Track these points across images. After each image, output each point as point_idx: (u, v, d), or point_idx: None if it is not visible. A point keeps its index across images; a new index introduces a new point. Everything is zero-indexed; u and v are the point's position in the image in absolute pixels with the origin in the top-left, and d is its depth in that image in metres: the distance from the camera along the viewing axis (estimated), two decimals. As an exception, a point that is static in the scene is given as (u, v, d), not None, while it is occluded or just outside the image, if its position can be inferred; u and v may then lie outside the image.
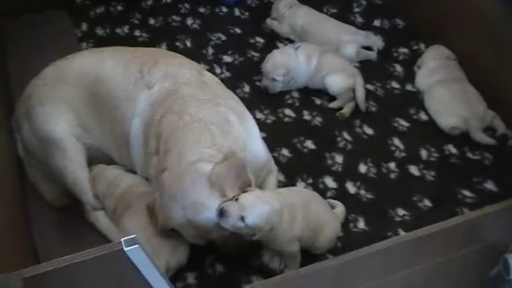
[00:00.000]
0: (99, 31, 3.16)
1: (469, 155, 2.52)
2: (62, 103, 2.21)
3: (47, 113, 2.19)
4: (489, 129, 2.59)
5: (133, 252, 1.34)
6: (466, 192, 2.35)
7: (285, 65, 2.73)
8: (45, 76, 2.29)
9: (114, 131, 2.21)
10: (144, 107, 2.12)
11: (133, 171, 2.24)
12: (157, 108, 2.07)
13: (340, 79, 2.72)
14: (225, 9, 3.40)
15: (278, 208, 1.85)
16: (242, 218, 1.77)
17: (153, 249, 1.84)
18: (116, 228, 2.11)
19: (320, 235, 2.00)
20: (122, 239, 1.33)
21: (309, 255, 2.03)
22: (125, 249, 1.33)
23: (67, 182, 2.18)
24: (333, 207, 2.19)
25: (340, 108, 2.72)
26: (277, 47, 3.10)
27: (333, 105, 2.74)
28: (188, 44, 3.11)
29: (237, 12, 3.39)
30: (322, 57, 2.79)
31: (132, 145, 2.16)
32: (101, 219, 2.19)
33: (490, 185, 2.38)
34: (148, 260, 1.40)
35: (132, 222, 2.01)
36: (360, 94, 2.72)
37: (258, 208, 1.80)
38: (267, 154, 2.26)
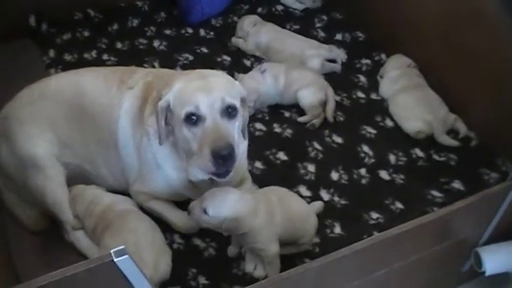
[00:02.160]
0: (67, 57, 3.17)
1: (435, 157, 2.60)
2: (41, 120, 2.22)
3: (26, 132, 2.19)
4: (452, 132, 2.70)
5: (123, 262, 1.37)
6: (435, 193, 2.43)
7: (256, 90, 2.76)
8: (21, 97, 2.30)
9: (100, 138, 2.24)
10: (130, 103, 2.19)
11: (114, 190, 2.27)
12: (147, 93, 2.15)
13: (312, 93, 2.77)
14: (190, 30, 3.47)
15: (247, 198, 1.91)
16: (205, 211, 1.86)
17: None
18: (97, 247, 2.12)
19: (304, 224, 2.09)
20: (112, 250, 1.36)
21: (288, 262, 2.06)
22: (115, 260, 1.35)
23: (47, 201, 2.18)
24: None
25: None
26: (243, 65, 3.18)
27: (302, 119, 2.79)
28: (156, 65, 3.15)
29: (202, 32, 3.46)
30: (289, 73, 2.83)
31: (121, 146, 2.21)
32: (81, 238, 2.19)
33: (457, 185, 2.47)
34: (138, 270, 1.43)
35: (114, 241, 2.01)
36: (331, 105, 2.79)
37: (218, 198, 1.87)
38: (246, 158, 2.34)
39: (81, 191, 2.21)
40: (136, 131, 2.17)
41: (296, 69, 2.88)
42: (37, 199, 2.21)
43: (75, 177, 2.27)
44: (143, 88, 2.19)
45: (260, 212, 1.93)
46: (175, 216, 2.22)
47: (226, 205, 1.87)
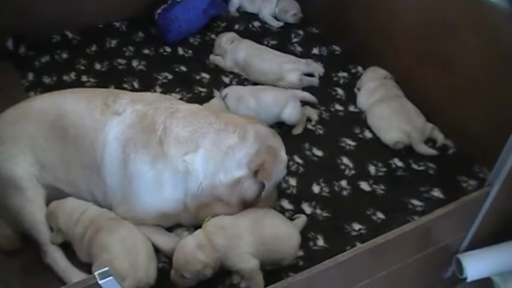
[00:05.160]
0: (46, 79, 3.17)
1: (414, 166, 2.64)
2: (22, 140, 2.23)
3: (7, 152, 2.21)
4: (430, 141, 2.74)
5: (108, 284, 1.37)
6: (415, 202, 2.46)
7: None
8: (5, 116, 2.32)
9: (82, 160, 2.23)
10: (121, 130, 2.18)
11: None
12: (147, 125, 2.17)
13: (293, 108, 2.79)
14: (168, 49, 3.49)
15: (201, 243, 2.00)
16: (183, 276, 2.01)
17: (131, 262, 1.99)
18: (74, 270, 2.15)
19: (283, 246, 2.10)
20: (96, 273, 1.36)
21: (273, 276, 2.08)
22: (100, 282, 1.36)
23: (25, 222, 2.18)
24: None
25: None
26: (222, 81, 3.20)
27: (298, 131, 2.83)
28: (136, 85, 3.16)
29: (180, 51, 3.48)
30: (260, 98, 2.80)
31: (106, 172, 2.20)
32: (58, 261, 2.17)
33: (436, 193, 2.50)
34: (123, 291, 1.44)
35: (112, 237, 2.06)
36: (308, 98, 2.90)
37: (181, 262, 2.00)
38: None
39: (58, 204, 2.21)
40: (128, 158, 2.18)
41: (266, 93, 2.85)
42: (15, 219, 2.21)
43: (55, 199, 2.26)
44: (136, 117, 2.20)
45: (217, 245, 2.01)
46: (162, 241, 2.22)
47: (193, 263, 1.98)
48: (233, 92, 2.84)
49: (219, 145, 2.11)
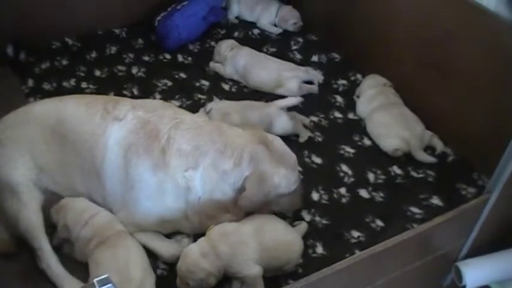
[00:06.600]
0: (46, 86, 3.17)
1: (413, 174, 2.64)
2: (21, 144, 2.23)
3: (6, 155, 2.21)
4: (429, 148, 2.74)
5: (107, 292, 1.38)
6: (414, 209, 2.46)
7: None
8: (6, 120, 2.33)
9: (82, 166, 2.24)
10: (122, 135, 2.19)
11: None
12: (149, 131, 2.17)
13: (280, 123, 2.75)
14: (168, 56, 3.49)
15: (205, 252, 2.02)
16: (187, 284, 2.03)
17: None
18: (68, 277, 2.14)
19: (286, 252, 2.11)
20: (95, 280, 1.36)
21: (272, 284, 2.08)
22: (98, 290, 1.36)
23: (19, 227, 2.17)
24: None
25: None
26: (222, 89, 3.21)
27: (303, 139, 2.82)
28: (135, 91, 3.16)
29: (180, 58, 3.48)
30: (245, 115, 2.74)
31: (106, 177, 2.20)
32: (52, 266, 2.16)
33: (435, 200, 2.50)
34: (122, 298, 1.43)
35: (106, 254, 2.06)
36: (292, 102, 2.84)
37: (184, 271, 2.02)
38: None
39: (69, 202, 2.22)
40: (130, 162, 2.18)
41: (252, 112, 2.76)
42: (11, 223, 2.20)
43: (53, 204, 2.25)
44: (138, 123, 2.20)
45: (220, 252, 2.02)
46: (161, 247, 2.23)
47: (197, 272, 1.99)
48: (218, 107, 2.77)
49: (216, 167, 2.13)
